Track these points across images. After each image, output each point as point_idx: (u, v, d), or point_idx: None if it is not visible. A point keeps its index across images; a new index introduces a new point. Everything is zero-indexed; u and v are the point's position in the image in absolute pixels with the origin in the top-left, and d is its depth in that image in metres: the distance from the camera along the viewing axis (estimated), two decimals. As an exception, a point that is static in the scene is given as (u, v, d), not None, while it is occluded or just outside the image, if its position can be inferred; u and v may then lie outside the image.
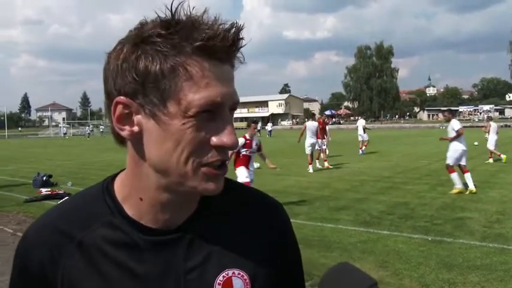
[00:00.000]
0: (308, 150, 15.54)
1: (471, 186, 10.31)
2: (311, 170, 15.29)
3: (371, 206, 9.07)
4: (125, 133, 0.77)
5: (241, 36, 0.75)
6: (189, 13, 0.74)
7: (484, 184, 11.64)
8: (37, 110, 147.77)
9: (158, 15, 0.74)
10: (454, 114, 11.79)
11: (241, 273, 0.86)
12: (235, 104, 0.78)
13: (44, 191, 11.64)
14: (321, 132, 16.34)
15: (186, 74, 0.72)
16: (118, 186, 0.87)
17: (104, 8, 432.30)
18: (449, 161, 10.71)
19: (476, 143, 23.54)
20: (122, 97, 0.75)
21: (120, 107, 0.76)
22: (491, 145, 17.30)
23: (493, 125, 17.83)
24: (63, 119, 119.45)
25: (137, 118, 0.76)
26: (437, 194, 10.42)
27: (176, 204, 0.83)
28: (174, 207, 0.83)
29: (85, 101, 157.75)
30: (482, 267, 5.37)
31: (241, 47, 0.77)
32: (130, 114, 0.76)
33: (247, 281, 0.87)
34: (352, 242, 6.62)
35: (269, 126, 54.77)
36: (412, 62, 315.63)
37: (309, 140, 15.62)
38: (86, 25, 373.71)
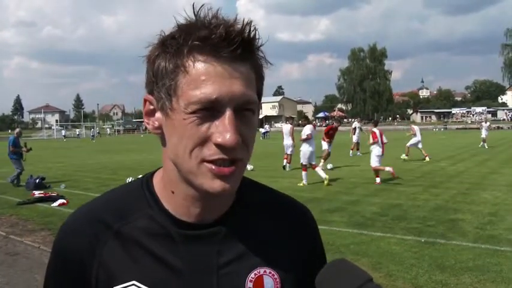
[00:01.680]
0: (288, 151, 16.43)
1: (324, 175, 12.39)
2: (288, 168, 16.08)
3: (364, 208, 9.10)
4: (149, 126, 0.84)
5: (249, 34, 0.76)
6: (202, 15, 0.77)
7: (476, 186, 11.71)
8: (30, 112, 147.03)
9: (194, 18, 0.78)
10: (309, 121, 14.09)
11: (273, 273, 0.89)
12: (245, 104, 0.77)
13: (37, 193, 11.58)
14: (330, 136, 16.90)
15: (184, 72, 0.75)
16: (157, 180, 0.91)
17: (97, 9, 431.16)
18: (303, 160, 12.62)
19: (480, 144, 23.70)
20: (148, 95, 0.82)
21: (147, 104, 0.83)
22: (410, 144, 19.71)
23: (416, 128, 20.27)
24: (56, 121, 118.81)
25: (158, 114, 0.82)
26: (430, 195, 10.46)
27: (205, 199, 0.84)
28: (204, 201, 0.85)
29: (78, 103, 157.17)
30: (474, 269, 5.39)
31: (255, 45, 0.78)
32: (154, 110, 0.82)
33: (278, 280, 0.89)
34: (346, 243, 6.63)
35: (266, 128, 54.93)
36: (405, 64, 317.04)
37: (284, 141, 16.57)
38: (79, 27, 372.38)
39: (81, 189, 12.39)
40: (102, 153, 29.62)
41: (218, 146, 0.75)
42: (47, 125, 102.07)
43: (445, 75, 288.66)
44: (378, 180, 12.59)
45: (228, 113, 0.75)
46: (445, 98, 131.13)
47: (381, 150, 12.98)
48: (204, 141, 0.76)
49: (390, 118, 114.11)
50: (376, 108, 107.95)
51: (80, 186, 13.16)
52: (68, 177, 15.34)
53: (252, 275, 0.87)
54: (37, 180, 12.94)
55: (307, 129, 13.01)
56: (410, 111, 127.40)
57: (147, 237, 0.85)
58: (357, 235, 7.08)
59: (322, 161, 16.49)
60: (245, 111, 0.78)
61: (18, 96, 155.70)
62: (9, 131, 78.91)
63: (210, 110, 0.75)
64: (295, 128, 17.00)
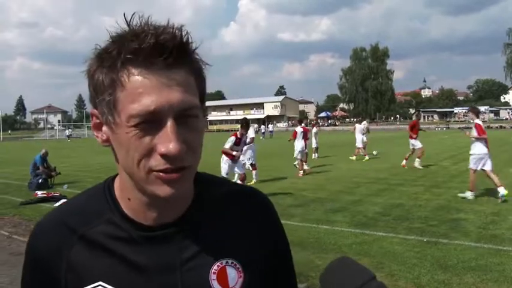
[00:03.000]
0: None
1: (255, 180, 12.83)
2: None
3: (366, 208, 9.10)
4: (98, 140, 0.85)
5: (181, 39, 0.77)
6: (135, 24, 0.77)
7: (478, 185, 11.66)
8: (32, 113, 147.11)
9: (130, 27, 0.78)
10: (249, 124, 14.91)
11: (234, 263, 0.91)
12: (185, 110, 0.77)
13: (40, 193, 11.61)
14: (417, 132, 16.32)
15: (121, 86, 0.76)
16: (117, 185, 0.93)
17: (99, 10, 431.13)
18: (253, 160, 13.19)
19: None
20: (93, 109, 0.83)
21: (94, 118, 0.84)
22: (358, 143, 19.65)
23: (358, 127, 20.50)
24: (59, 121, 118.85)
25: (104, 127, 0.83)
26: (432, 195, 10.44)
27: (159, 204, 0.86)
28: (160, 206, 0.87)
29: (80, 103, 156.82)
30: (477, 268, 5.39)
31: (188, 49, 0.79)
32: (101, 124, 0.83)
33: (241, 270, 0.92)
34: (348, 243, 6.63)
35: (270, 127, 55.89)
36: (408, 64, 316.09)
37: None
38: (81, 27, 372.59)
39: (83, 190, 12.38)
40: (103, 153, 29.61)
41: (163, 156, 0.76)
42: (49, 126, 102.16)
43: (447, 75, 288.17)
44: (301, 173, 14.81)
45: (169, 123, 0.76)
46: (447, 98, 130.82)
47: (303, 145, 15.27)
48: (149, 152, 0.77)
49: (392, 118, 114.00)
50: (378, 107, 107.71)
51: (83, 186, 13.15)
52: (70, 177, 15.35)
53: (215, 267, 0.89)
54: (40, 181, 12.97)
55: (251, 133, 13.56)
56: (412, 110, 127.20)
57: (111, 240, 0.88)
58: (359, 235, 7.09)
59: (417, 160, 15.77)
60: (188, 117, 0.78)
61: (20, 97, 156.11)
62: (9, 131, 78.10)
63: (151, 121, 0.75)
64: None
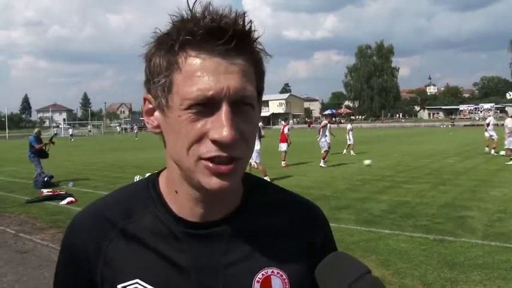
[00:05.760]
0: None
1: None
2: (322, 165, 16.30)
3: (372, 205, 9.06)
4: (149, 126, 0.83)
5: (243, 26, 0.74)
6: (195, 9, 0.74)
7: (485, 183, 11.64)
8: (38, 111, 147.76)
9: (186, 14, 0.76)
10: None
11: (281, 273, 0.87)
12: (242, 98, 0.74)
13: (46, 191, 11.66)
14: None
15: (178, 68, 0.74)
16: (162, 180, 0.90)
17: (104, 9, 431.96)
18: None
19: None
20: (147, 94, 0.81)
21: (146, 103, 0.82)
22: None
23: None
24: (64, 119, 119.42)
25: (156, 113, 0.81)
26: (438, 192, 10.41)
27: (209, 198, 0.83)
28: (207, 202, 0.84)
29: (86, 101, 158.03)
30: (484, 266, 5.36)
31: (251, 37, 0.76)
32: (153, 109, 0.81)
33: (286, 281, 0.87)
34: (354, 241, 6.61)
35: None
36: (413, 61, 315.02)
37: (321, 138, 17.06)
38: (87, 26, 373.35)
39: (89, 187, 12.44)
40: (108, 151, 29.70)
41: (214, 142, 0.72)
42: (54, 124, 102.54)
43: (452, 72, 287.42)
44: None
45: (224, 108, 0.72)
46: (453, 95, 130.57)
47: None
48: (200, 138, 0.73)
49: (397, 115, 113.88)
50: (383, 105, 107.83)
51: (88, 184, 13.21)
52: (76, 175, 15.39)
53: (260, 275, 0.86)
54: (45, 179, 13.00)
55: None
56: (417, 108, 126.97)
57: (152, 236, 0.85)
58: (365, 232, 7.06)
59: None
60: (244, 105, 0.75)
61: (26, 95, 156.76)
62: (7, 131, 77.34)
63: (205, 105, 0.72)
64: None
